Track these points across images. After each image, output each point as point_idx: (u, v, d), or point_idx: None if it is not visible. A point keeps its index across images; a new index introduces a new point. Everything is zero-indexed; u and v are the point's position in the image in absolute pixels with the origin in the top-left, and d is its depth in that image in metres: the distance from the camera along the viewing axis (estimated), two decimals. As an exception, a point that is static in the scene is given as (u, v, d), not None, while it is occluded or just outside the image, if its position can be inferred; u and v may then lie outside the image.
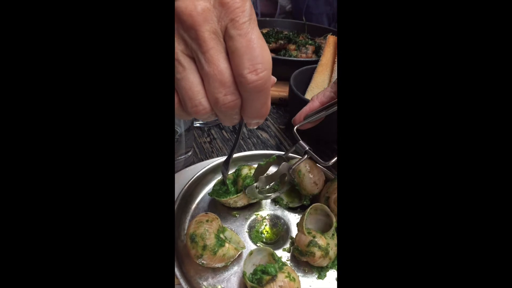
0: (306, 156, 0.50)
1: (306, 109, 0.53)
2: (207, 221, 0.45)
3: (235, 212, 0.53)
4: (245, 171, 0.51)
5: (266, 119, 0.85)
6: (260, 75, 0.30)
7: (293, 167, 0.49)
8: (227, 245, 0.44)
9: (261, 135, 0.79)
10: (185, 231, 0.45)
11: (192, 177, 0.55)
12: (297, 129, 0.51)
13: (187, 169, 0.61)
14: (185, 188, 0.54)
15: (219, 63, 0.30)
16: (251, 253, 0.45)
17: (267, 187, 0.50)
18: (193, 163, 0.65)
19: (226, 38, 0.29)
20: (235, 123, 0.36)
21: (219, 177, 0.57)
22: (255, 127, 0.43)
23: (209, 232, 0.43)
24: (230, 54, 0.30)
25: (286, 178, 0.51)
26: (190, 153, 0.66)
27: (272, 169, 0.56)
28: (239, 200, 0.51)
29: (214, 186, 0.53)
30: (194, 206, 0.54)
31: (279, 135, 0.79)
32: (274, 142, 0.76)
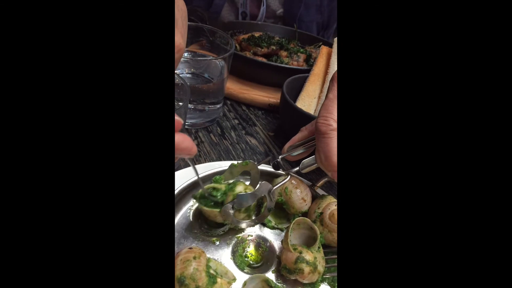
0: (288, 177, 0.49)
1: (294, 138, 0.51)
2: (194, 258, 0.40)
3: (214, 239, 0.49)
4: (239, 188, 0.46)
5: (255, 125, 0.81)
6: None
7: (273, 189, 0.47)
8: (219, 280, 0.40)
9: (250, 141, 0.75)
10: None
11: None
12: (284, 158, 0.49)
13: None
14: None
15: None
16: (244, 283, 0.42)
17: (244, 209, 0.47)
18: (180, 167, 0.58)
19: None
20: None
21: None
22: None
23: (199, 270, 0.39)
24: None
25: (265, 205, 0.48)
26: (177, 156, 0.60)
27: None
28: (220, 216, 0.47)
29: (202, 191, 0.47)
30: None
31: (268, 142, 0.76)
32: (263, 148, 0.74)
